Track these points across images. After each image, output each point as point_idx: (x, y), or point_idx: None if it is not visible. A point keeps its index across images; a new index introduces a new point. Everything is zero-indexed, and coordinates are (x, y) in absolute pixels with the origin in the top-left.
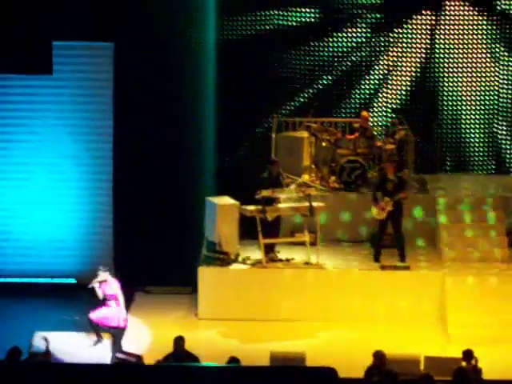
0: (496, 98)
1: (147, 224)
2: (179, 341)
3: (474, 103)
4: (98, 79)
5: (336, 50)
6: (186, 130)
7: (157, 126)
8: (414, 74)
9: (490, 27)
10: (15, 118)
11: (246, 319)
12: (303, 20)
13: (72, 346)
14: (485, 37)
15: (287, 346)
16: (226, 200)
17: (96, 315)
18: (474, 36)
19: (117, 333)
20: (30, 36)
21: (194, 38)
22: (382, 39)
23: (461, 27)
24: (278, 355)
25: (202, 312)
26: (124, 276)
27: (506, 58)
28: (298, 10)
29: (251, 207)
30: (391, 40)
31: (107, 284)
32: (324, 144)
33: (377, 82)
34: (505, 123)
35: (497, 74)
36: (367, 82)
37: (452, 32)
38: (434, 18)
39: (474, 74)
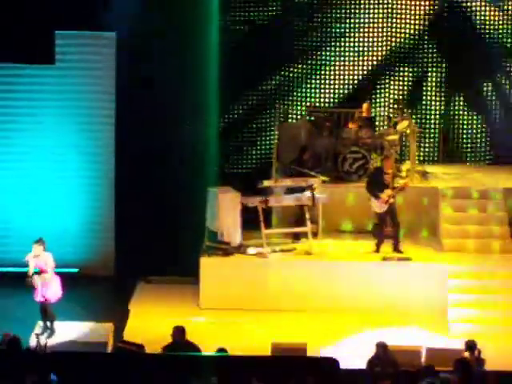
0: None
1: (149, 213)
2: (179, 331)
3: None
4: (100, 68)
5: (338, 39)
6: (189, 119)
7: (159, 115)
8: (416, 65)
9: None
10: (18, 107)
11: (247, 309)
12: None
13: (74, 335)
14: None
15: (289, 336)
16: (228, 190)
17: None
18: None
19: (45, 307)
20: (32, 25)
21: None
22: (385, 29)
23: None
24: (279, 345)
25: (204, 302)
26: (126, 265)
27: None
28: None
29: (253, 197)
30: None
31: (40, 258)
32: (326, 134)
33: (379, 72)
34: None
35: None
36: (371, 73)
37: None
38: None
39: None
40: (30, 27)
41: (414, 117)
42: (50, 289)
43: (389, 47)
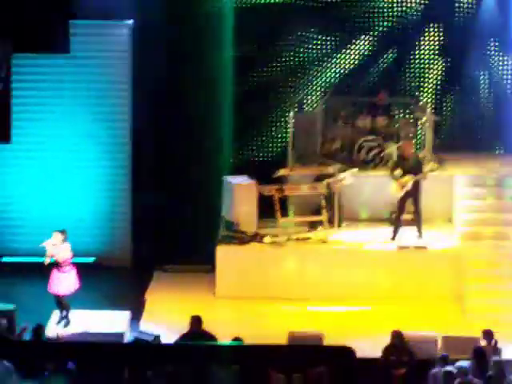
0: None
1: (165, 203)
2: (196, 320)
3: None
4: (116, 58)
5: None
6: (204, 108)
7: (175, 104)
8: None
9: None
10: (33, 97)
11: (263, 298)
12: None
13: (90, 324)
14: None
15: (304, 324)
16: (244, 179)
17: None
18: None
19: (60, 297)
20: (47, 15)
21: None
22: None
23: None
24: (296, 334)
25: (220, 290)
26: (142, 254)
27: None
28: None
29: (269, 186)
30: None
31: (58, 248)
32: (342, 123)
33: (394, 61)
34: None
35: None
36: (385, 62)
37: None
38: None
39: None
40: (45, 16)
41: (430, 104)
42: (63, 282)
43: (403, 34)
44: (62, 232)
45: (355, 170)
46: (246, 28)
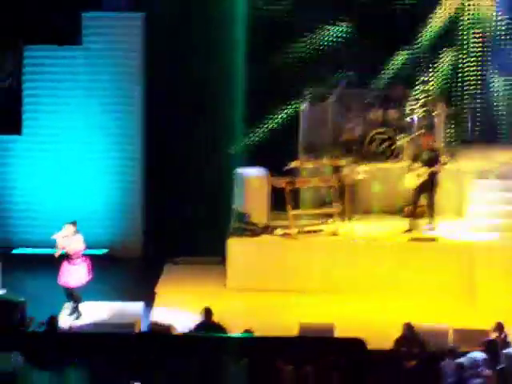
0: None
1: (176, 195)
2: (207, 312)
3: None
4: (127, 50)
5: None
6: (216, 98)
7: (186, 95)
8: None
9: None
10: (45, 88)
11: (274, 290)
12: None
13: (102, 316)
14: None
15: (316, 316)
16: (256, 171)
17: (61, 278)
18: None
19: (70, 289)
20: (59, 7)
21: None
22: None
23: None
24: (307, 326)
25: (231, 282)
26: (153, 246)
27: None
28: None
29: (280, 178)
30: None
31: (69, 239)
32: (353, 115)
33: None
34: None
35: None
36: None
37: None
38: None
39: None
40: (57, 8)
41: (444, 97)
42: (74, 274)
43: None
44: (73, 224)
45: (367, 164)
46: (258, 18)
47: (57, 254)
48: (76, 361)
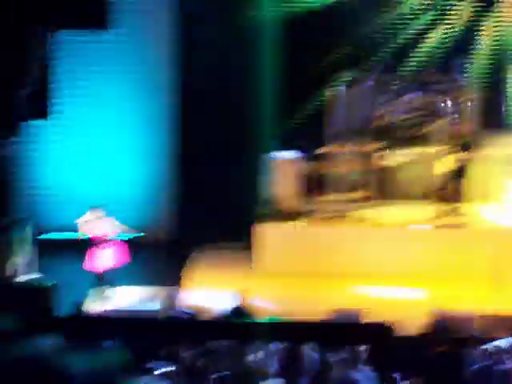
0: None
1: (208, 179)
2: (235, 297)
3: None
4: (158, 32)
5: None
6: (250, 81)
7: (220, 79)
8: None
9: None
10: (74, 72)
11: (303, 275)
12: None
13: (131, 300)
14: None
15: (344, 301)
16: (284, 156)
17: (89, 263)
18: None
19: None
20: None
21: None
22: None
23: None
24: (335, 311)
25: (260, 267)
26: (185, 231)
27: None
28: None
29: (309, 163)
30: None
31: (94, 224)
32: (388, 99)
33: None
34: None
35: None
36: (428, 39)
37: None
38: None
39: None
40: None
41: (476, 82)
42: (101, 258)
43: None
44: (99, 208)
45: (399, 149)
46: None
47: (79, 238)
48: (108, 344)
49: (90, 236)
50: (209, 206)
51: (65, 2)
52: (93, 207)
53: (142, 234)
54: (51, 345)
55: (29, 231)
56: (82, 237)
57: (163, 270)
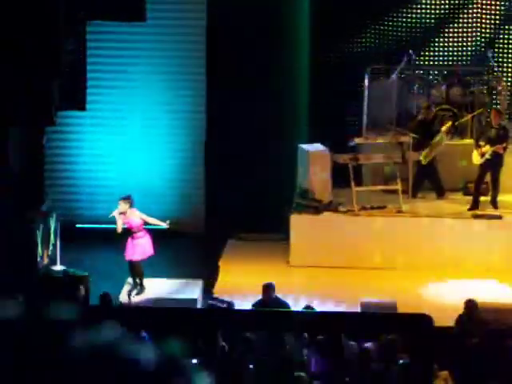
0: None
1: (239, 170)
2: (269, 288)
3: None
4: (190, 26)
5: None
6: (278, 77)
7: (249, 73)
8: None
9: None
10: (108, 64)
11: (337, 267)
12: None
13: (163, 292)
14: None
15: (378, 292)
16: (318, 147)
17: (127, 253)
18: None
19: (134, 264)
20: None
21: None
22: None
23: None
24: (369, 303)
25: (294, 259)
26: (216, 222)
27: None
28: None
29: (344, 155)
30: None
31: (126, 215)
32: (417, 92)
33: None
34: None
35: None
36: (459, 30)
37: None
38: None
39: None
40: None
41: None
42: (137, 247)
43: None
44: (127, 198)
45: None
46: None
47: (119, 230)
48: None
49: (127, 227)
50: (243, 197)
51: None
52: (124, 198)
53: (175, 225)
54: (116, 334)
55: (58, 222)
56: (119, 228)
57: (197, 261)
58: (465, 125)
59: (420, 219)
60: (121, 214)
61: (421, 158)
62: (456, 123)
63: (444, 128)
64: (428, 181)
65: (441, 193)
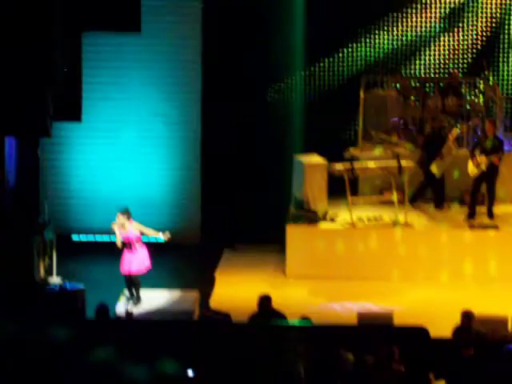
0: None
1: (235, 181)
2: (265, 300)
3: None
4: (186, 37)
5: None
6: (275, 86)
7: (245, 83)
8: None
9: None
10: (104, 75)
11: (333, 278)
12: None
13: (160, 303)
14: None
15: (375, 304)
16: (314, 158)
17: (123, 266)
18: None
19: (130, 276)
20: None
21: None
22: None
23: None
24: (365, 314)
25: (290, 270)
26: (212, 233)
27: None
28: None
29: (339, 165)
30: None
31: (125, 228)
32: (412, 103)
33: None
34: None
35: None
36: (454, 40)
37: None
38: None
39: None
40: None
41: (500, 84)
42: (135, 260)
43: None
44: (125, 211)
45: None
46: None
47: (118, 244)
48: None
49: (124, 239)
50: (240, 208)
51: (99, 4)
52: (121, 210)
53: (171, 236)
54: (110, 354)
55: (54, 234)
56: (119, 241)
57: (193, 273)
58: (461, 135)
59: (416, 230)
60: (119, 226)
61: (433, 170)
62: (454, 133)
63: (451, 137)
64: (431, 189)
65: (439, 204)
